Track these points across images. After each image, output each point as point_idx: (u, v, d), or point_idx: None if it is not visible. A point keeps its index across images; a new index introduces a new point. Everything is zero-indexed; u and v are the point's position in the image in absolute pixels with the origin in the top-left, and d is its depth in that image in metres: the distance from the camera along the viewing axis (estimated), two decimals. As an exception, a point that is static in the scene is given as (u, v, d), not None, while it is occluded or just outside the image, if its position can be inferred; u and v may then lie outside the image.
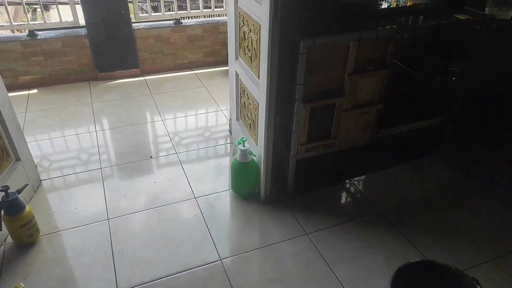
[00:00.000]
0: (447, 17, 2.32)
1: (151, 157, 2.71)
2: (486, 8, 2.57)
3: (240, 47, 2.31)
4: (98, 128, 3.04)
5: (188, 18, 4.07)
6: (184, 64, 4.11)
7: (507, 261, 2.00)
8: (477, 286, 1.52)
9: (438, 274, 1.63)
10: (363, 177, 2.61)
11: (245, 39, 2.18)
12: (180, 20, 3.92)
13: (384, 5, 2.59)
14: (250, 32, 2.07)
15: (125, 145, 2.84)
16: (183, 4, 4.24)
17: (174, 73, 4.03)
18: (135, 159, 2.69)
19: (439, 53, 2.92)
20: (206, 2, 5.03)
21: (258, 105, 2.12)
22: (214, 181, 2.49)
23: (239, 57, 2.37)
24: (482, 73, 2.63)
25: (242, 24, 2.18)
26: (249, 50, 2.13)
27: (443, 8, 2.43)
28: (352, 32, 1.91)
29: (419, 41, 3.07)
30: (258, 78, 2.06)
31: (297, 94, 1.98)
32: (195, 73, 4.04)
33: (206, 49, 4.12)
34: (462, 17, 2.32)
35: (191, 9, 4.02)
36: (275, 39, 1.76)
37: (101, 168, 2.58)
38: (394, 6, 2.67)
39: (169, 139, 2.92)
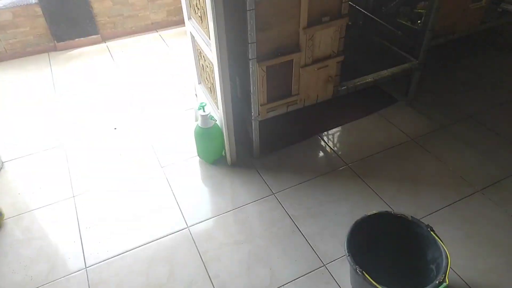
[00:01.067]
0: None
1: (115, 128, 2.65)
2: None
3: (190, 6, 2.18)
4: (59, 104, 2.94)
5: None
6: (147, 26, 3.91)
7: (467, 204, 2.05)
8: (431, 232, 1.56)
9: (396, 224, 1.66)
10: (330, 131, 2.59)
11: (193, -2, 2.05)
12: (137, -22, 3.68)
13: None
14: (196, -11, 1.94)
15: (88, 117, 2.76)
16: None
17: (137, 36, 3.85)
18: (99, 130, 2.63)
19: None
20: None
21: (213, 67, 2.04)
22: (181, 149, 2.46)
23: (191, 16, 2.24)
24: (445, 14, 2.55)
25: (189, -19, 2.04)
26: (198, 8, 2.01)
27: None
28: (302, -18, 1.80)
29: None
30: (209, 39, 1.96)
31: (250, 53, 1.90)
32: (159, 35, 3.87)
33: (169, 8, 3.91)
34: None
35: (147, -35, 3.76)
36: (217, -4, 1.65)
37: (63, 146, 2.53)
38: None
39: (132, 106, 2.84)
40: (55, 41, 3.57)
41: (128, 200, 2.15)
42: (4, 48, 3.46)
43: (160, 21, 3.94)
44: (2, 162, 2.40)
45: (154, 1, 3.80)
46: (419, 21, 2.62)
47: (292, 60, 2.03)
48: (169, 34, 3.87)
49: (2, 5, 3.30)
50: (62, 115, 2.80)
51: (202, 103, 2.17)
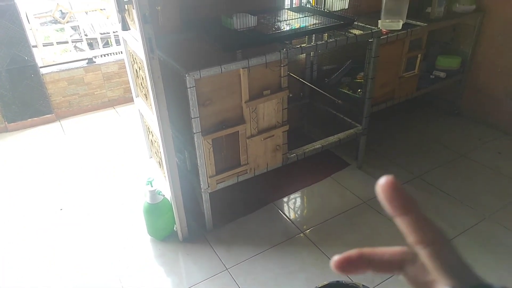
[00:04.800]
0: (341, 34, 2.38)
1: (61, 209, 2.52)
2: (379, 21, 2.71)
3: (136, 85, 2.24)
4: (2, 186, 2.80)
5: (104, 56, 3.96)
6: (105, 103, 3.96)
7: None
8: (383, 301, 1.51)
9: (349, 294, 1.60)
10: (285, 198, 2.58)
11: (138, 77, 2.12)
12: (93, 59, 3.79)
13: (286, 28, 2.65)
14: (140, 70, 2.01)
15: (32, 197, 2.63)
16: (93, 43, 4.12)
17: (94, 113, 3.86)
18: (42, 212, 2.49)
19: (344, 68, 3.03)
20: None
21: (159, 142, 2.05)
22: (130, 227, 2.35)
23: (138, 95, 2.29)
24: (383, 83, 2.75)
25: (133, 62, 2.11)
26: (143, 87, 2.07)
27: (338, 26, 2.50)
28: (240, 60, 1.91)
29: (325, 59, 3.18)
30: (153, 115, 1.98)
31: (194, 128, 1.93)
32: (116, 111, 3.90)
33: (125, 85, 4.00)
34: (356, 33, 2.39)
35: (104, 47, 3.91)
36: (156, 75, 1.71)
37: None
38: (297, 27, 2.74)
39: (81, 184, 2.75)
40: (6, 122, 3.51)
41: (69, 288, 1.98)
42: (-50, 131, 3.35)
43: (117, 98, 4.00)
44: None
45: (110, 80, 3.89)
46: (359, 90, 2.80)
47: (238, 131, 2.08)
48: (126, 110, 3.91)
49: (-50, 89, 3.27)
50: (4, 199, 2.65)
51: (149, 178, 2.13)
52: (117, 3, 1.50)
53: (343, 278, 1.92)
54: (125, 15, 1.66)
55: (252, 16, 2.09)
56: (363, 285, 1.62)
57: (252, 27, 2.10)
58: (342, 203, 2.50)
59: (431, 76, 3.22)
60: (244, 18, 2.04)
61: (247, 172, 2.24)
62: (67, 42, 4.17)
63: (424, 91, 3.10)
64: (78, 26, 4.49)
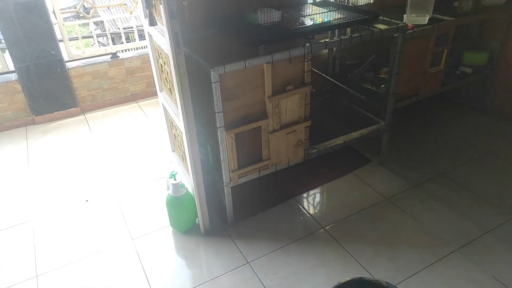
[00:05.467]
0: (365, 29, 2.34)
1: (87, 200, 2.59)
2: (405, 16, 2.66)
3: (161, 79, 2.27)
4: (32, 178, 2.89)
5: (126, 51, 4.02)
6: (127, 97, 4.02)
7: (445, 264, 2.00)
8: (407, 299, 1.50)
9: (371, 291, 1.59)
10: (304, 194, 2.58)
11: (162, 72, 2.14)
12: (117, 54, 3.86)
13: (310, 23, 2.63)
14: (165, 64, 2.04)
15: (60, 190, 2.71)
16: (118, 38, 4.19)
17: (116, 107, 3.93)
18: (70, 203, 2.57)
19: (368, 63, 2.99)
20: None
21: (182, 136, 2.07)
22: (153, 220, 2.40)
23: (162, 89, 2.32)
24: (407, 78, 2.70)
25: (159, 57, 2.14)
26: (168, 82, 2.09)
27: (362, 20, 2.46)
28: (264, 55, 1.91)
29: (348, 54, 3.15)
30: (178, 109, 2.01)
31: (217, 122, 1.94)
32: (138, 105, 3.96)
33: (148, 80, 4.06)
34: (380, 27, 2.35)
35: (126, 42, 3.97)
36: (181, 70, 1.73)
37: (32, 222, 2.44)
38: (320, 22, 2.72)
39: (106, 177, 2.81)
40: (33, 115, 3.62)
41: (96, 280, 2.03)
42: (-19, 123, 3.48)
43: (140, 92, 4.06)
44: (-36, 242, 2.29)
45: (133, 74, 3.95)
46: (382, 86, 2.76)
47: (260, 126, 2.09)
48: (148, 104, 3.97)
49: (-19, 83, 3.38)
50: (33, 190, 2.74)
51: (173, 171, 2.16)
52: (145, -1, 1.52)
53: (365, 274, 1.93)
54: (152, 10, 1.68)
55: (276, 10, 2.08)
56: (386, 282, 1.62)
57: (276, 22, 2.09)
58: (363, 200, 2.48)
59: (457, 72, 3.15)
60: (269, 13, 2.03)
61: (268, 167, 2.25)
62: (91, 37, 4.25)
63: (449, 87, 3.03)
64: (100, 21, 4.57)
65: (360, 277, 1.63)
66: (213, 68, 1.79)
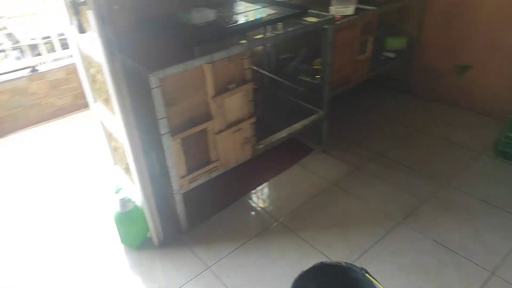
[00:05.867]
0: (297, 22, 2.40)
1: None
2: (331, 7, 2.78)
3: (94, 90, 2.14)
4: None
5: (46, 63, 3.71)
6: (54, 112, 3.73)
7: (393, 237, 2.15)
8: (366, 275, 1.58)
9: (333, 273, 1.66)
10: (255, 190, 2.60)
11: (95, 81, 2.02)
12: (36, 68, 3.55)
13: (241, 21, 2.64)
14: (97, 73, 1.92)
15: (-10, 222, 2.45)
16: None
17: (43, 124, 3.63)
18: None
19: (300, 56, 3.09)
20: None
21: (125, 148, 1.97)
22: (102, 240, 2.26)
23: (97, 100, 2.19)
24: (339, 67, 2.83)
25: (89, 66, 2.01)
26: (102, 92, 1.98)
27: (294, 15, 2.52)
28: (203, 55, 1.88)
29: (280, 49, 3.22)
30: (117, 120, 1.90)
31: (162, 128, 1.88)
32: (68, 119, 3.69)
33: (75, 91, 3.79)
34: (311, 20, 2.42)
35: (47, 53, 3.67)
36: (118, 77, 1.64)
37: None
38: (251, 19, 2.74)
39: (43, 202, 2.59)
40: None
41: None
42: None
43: (68, 106, 3.78)
44: None
45: (57, 87, 3.67)
46: (317, 76, 2.87)
47: (206, 128, 2.06)
48: (80, 116, 3.72)
49: None
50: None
51: (117, 186, 2.06)
52: (72, 6, 1.42)
53: (324, 259, 2.00)
54: (80, 17, 1.57)
55: (210, 10, 2.06)
56: (345, 262, 1.69)
57: (211, 21, 2.07)
58: (311, 188, 2.56)
59: (381, 57, 3.37)
60: (203, 13, 2.01)
61: (218, 168, 2.23)
62: (2, 51, 3.87)
63: (376, 73, 3.24)
64: (10, 33, 4.18)
65: (321, 262, 1.68)
66: (152, 73, 1.72)
